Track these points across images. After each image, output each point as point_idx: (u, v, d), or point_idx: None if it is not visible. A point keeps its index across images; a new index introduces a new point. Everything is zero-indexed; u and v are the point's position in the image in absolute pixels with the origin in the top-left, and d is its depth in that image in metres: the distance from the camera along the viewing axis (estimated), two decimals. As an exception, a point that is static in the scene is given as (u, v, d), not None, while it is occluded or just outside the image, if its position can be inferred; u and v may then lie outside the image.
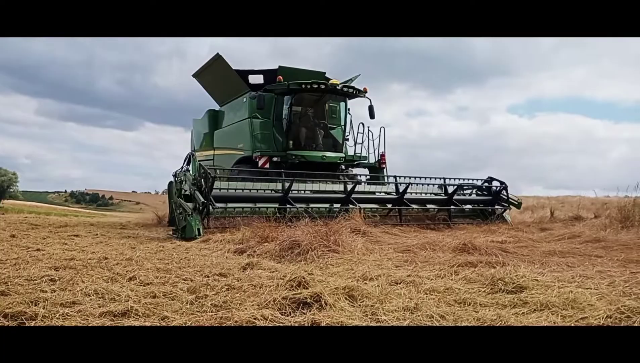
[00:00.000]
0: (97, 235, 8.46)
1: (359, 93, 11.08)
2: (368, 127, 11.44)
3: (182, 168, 9.57)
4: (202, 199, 7.75)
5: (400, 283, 3.66)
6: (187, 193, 8.38)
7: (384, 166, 11.53)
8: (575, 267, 4.49)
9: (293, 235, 5.68)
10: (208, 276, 4.04)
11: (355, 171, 12.07)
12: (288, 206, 8.54)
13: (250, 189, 8.71)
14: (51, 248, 5.92)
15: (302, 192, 9.21)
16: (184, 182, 8.62)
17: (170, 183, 10.23)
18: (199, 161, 14.58)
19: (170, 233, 8.97)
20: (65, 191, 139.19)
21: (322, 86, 10.59)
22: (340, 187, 9.72)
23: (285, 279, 3.52)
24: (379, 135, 11.39)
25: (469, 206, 10.75)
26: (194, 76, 14.15)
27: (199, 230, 7.59)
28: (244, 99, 11.64)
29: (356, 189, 9.37)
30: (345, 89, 10.90)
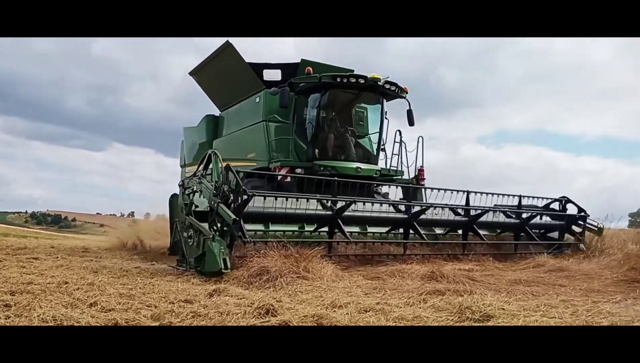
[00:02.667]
0: (57, 257, 8.15)
1: (401, 93, 9.27)
2: (401, 137, 9.68)
3: (195, 174, 7.07)
4: (233, 216, 5.68)
5: (369, 311, 3.64)
6: (202, 209, 6.41)
7: (423, 182, 9.62)
8: (539, 296, 4.57)
9: (262, 261, 5.61)
10: (173, 303, 3.92)
11: (384, 189, 9.94)
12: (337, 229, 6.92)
13: (284, 208, 6.59)
14: (7, 272, 5.67)
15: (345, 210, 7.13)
16: (198, 193, 6.58)
17: (174, 196, 7.71)
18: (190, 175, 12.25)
19: (174, 265, 6.89)
20: (26, 212, 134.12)
21: (362, 81, 8.67)
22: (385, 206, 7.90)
23: (253, 306, 3.46)
24: (417, 146, 9.48)
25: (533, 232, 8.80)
26: (192, 73, 12.02)
27: (224, 261, 5.54)
28: (257, 99, 9.72)
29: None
30: (387, 86, 8.98)
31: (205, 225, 6.04)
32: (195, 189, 6.64)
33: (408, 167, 9.62)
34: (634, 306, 3.82)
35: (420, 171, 9.60)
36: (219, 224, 5.91)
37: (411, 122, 9.64)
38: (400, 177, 9.57)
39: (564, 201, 9.29)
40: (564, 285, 5.39)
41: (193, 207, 6.55)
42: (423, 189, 9.07)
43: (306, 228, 7.27)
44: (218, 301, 3.99)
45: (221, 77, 11.06)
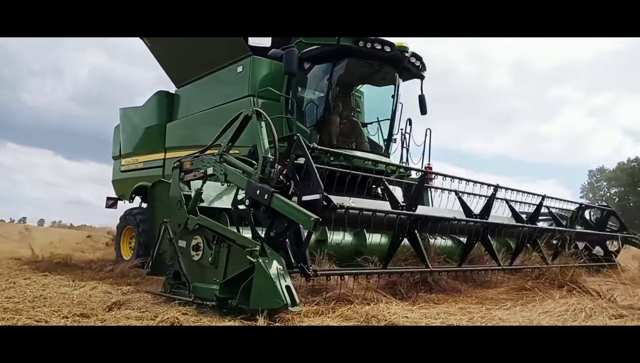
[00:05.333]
0: None
1: (422, 71, 7.74)
2: (411, 128, 8.05)
3: (205, 150, 4.88)
4: (314, 216, 3.66)
5: (280, 321, 3.62)
6: (212, 204, 4.59)
7: (431, 182, 7.54)
8: (440, 304, 4.82)
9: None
10: (67, 317, 3.62)
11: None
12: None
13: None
14: None
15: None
16: (221, 179, 4.41)
17: (159, 184, 5.38)
18: (130, 168, 9.89)
19: (159, 291, 4.56)
20: None
21: (387, 50, 6.95)
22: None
23: (157, 320, 3.30)
24: (424, 140, 7.88)
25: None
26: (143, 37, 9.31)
27: (289, 290, 3.51)
28: (240, 68, 7.64)
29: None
30: (412, 60, 7.38)
31: (241, 230, 4.19)
32: (209, 172, 4.49)
33: (410, 163, 8.12)
34: (521, 312, 4.15)
35: (428, 169, 7.85)
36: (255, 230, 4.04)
37: (424, 110, 8.23)
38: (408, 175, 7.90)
39: (610, 211, 7.97)
40: (462, 293, 5.73)
41: (199, 201, 4.46)
42: (430, 191, 7.35)
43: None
44: (118, 314, 3.73)
45: (189, 41, 8.42)
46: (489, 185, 6.15)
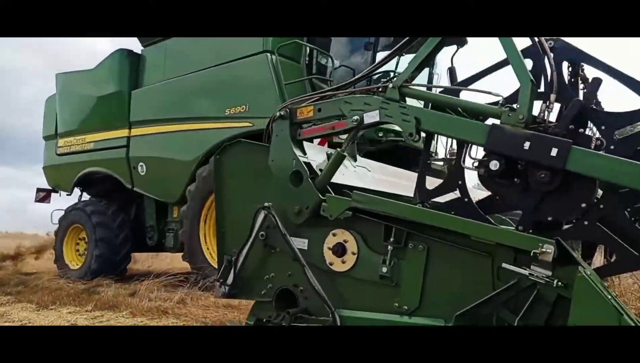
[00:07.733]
0: None
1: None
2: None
3: (372, 72, 3.21)
4: None
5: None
6: (352, 182, 2.87)
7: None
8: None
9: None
10: None
11: None
12: None
13: None
14: None
15: None
16: (402, 126, 2.51)
17: (235, 147, 3.00)
18: (72, 150, 7.86)
19: (246, 321, 2.86)
20: None
21: None
22: None
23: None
24: None
25: None
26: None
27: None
28: None
29: None
30: None
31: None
32: (370, 120, 2.61)
33: None
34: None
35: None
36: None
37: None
38: None
39: None
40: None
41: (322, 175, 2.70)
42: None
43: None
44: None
45: None
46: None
